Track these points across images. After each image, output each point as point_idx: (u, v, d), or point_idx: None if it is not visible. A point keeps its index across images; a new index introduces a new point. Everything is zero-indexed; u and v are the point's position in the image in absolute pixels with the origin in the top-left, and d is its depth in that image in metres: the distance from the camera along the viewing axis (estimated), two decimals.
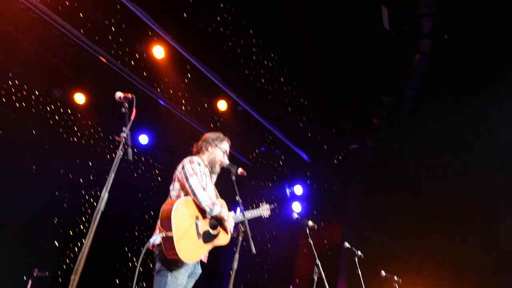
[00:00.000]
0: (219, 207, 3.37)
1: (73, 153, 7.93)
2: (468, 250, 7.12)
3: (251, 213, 3.86)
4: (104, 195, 2.37)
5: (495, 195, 6.86)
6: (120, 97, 2.71)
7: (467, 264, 7.06)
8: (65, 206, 7.93)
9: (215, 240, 3.44)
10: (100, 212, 2.32)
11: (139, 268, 3.04)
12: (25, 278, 5.42)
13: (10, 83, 6.75)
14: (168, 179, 3.62)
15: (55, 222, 7.85)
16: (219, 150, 3.69)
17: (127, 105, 2.67)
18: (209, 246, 3.39)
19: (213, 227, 3.42)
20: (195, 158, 3.53)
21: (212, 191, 3.57)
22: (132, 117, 2.62)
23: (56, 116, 7.46)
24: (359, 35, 6.36)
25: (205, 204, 3.28)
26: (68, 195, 8.02)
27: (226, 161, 3.67)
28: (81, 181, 8.28)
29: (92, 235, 2.23)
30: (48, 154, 7.48)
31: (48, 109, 7.31)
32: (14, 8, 5.62)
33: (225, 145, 3.74)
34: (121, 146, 2.49)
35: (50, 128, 7.44)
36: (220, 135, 3.77)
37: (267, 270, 8.40)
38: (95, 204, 8.61)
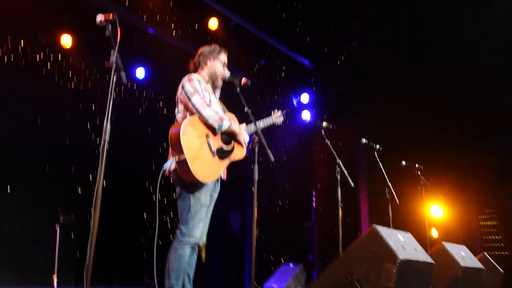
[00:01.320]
0: (228, 121, 3.25)
1: (74, 100, 7.79)
2: (481, 131, 7.06)
3: (263, 122, 3.75)
4: (106, 125, 2.27)
5: (498, 75, 6.63)
6: (101, 21, 2.51)
7: (481, 145, 7.04)
8: (79, 153, 7.95)
9: (231, 156, 3.36)
10: (106, 143, 2.23)
11: (158, 197, 3.01)
12: (56, 225, 5.60)
13: None
14: (173, 109, 3.48)
15: (73, 171, 7.92)
16: (218, 62, 3.50)
17: (110, 27, 2.46)
18: (226, 162, 3.33)
19: (227, 142, 3.33)
20: (194, 76, 3.36)
21: (217, 106, 3.44)
22: (118, 39, 2.43)
23: (48, 65, 7.24)
24: None
25: (213, 120, 3.16)
26: (80, 142, 8.00)
27: (227, 73, 3.50)
28: (89, 126, 8.22)
29: (103, 166, 2.15)
30: (49, 105, 7.34)
31: (38, 58, 7.06)
32: None
33: (223, 56, 3.54)
34: (112, 72, 2.33)
35: (45, 78, 7.23)
36: (216, 46, 3.56)
37: (287, 181, 8.54)
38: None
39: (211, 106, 3.21)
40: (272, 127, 3.94)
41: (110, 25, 2.47)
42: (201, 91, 3.26)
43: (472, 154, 6.99)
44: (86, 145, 8.08)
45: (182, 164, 3.01)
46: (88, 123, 8.18)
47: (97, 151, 8.15)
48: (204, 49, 3.55)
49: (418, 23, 7.01)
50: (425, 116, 7.02)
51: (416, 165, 5.21)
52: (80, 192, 8.08)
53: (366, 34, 7.64)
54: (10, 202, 6.54)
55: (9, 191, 6.62)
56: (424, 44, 7.03)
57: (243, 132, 3.39)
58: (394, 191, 4.71)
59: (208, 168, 3.15)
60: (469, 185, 7.23)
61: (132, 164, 8.60)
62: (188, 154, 2.99)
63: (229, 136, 3.36)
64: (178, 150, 3.02)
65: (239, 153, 3.42)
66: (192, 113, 3.22)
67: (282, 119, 3.88)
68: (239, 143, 3.40)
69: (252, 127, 3.43)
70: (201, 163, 3.08)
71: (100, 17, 2.54)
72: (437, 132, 6.99)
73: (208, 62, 3.49)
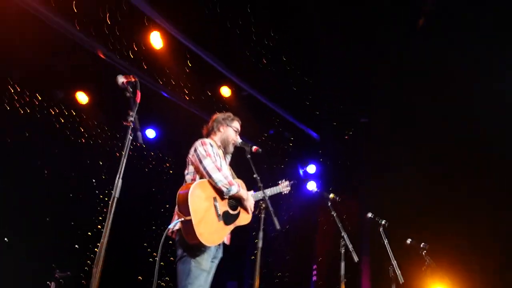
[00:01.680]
0: (237, 186, 3.28)
1: (83, 155, 7.89)
2: (484, 210, 6.98)
3: (270, 191, 3.78)
4: (118, 181, 2.30)
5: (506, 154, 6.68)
6: (122, 82, 2.62)
7: (488, 229, 6.93)
8: (80, 207, 7.91)
9: (236, 221, 3.36)
10: (115, 199, 2.25)
11: (159, 259, 2.97)
12: (48, 283, 5.44)
13: (12, 90, 6.69)
14: (179, 170, 3.55)
15: (72, 224, 7.83)
16: (230, 129, 3.61)
17: (131, 89, 2.58)
18: (230, 227, 3.32)
19: (233, 207, 3.35)
20: (207, 140, 3.46)
21: (227, 171, 3.49)
22: (138, 100, 2.53)
23: (61, 119, 7.40)
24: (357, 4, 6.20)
25: (221, 185, 3.20)
26: (82, 197, 7.99)
27: (238, 140, 3.59)
28: (94, 181, 8.24)
29: (110, 222, 2.15)
30: (58, 157, 7.44)
31: (53, 112, 7.24)
32: (5, 10, 5.52)
33: (236, 124, 3.66)
34: (129, 131, 2.41)
35: (57, 132, 7.38)
36: (230, 114, 3.70)
37: (288, 252, 8.36)
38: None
39: (222, 171, 3.26)
40: (277, 195, 3.96)
41: (130, 87, 2.58)
42: (213, 155, 3.33)
43: (479, 237, 6.86)
44: (89, 201, 8.07)
45: (187, 225, 3.01)
46: (93, 179, 8.23)
47: (99, 207, 8.17)
48: (219, 115, 3.68)
49: (427, 102, 7.20)
50: (433, 193, 6.98)
51: (422, 244, 5.09)
52: (77, 247, 7.94)
53: (375, 110, 7.84)
54: (7, 252, 6.43)
55: (6, 240, 6.53)
56: (433, 120, 7.17)
57: (250, 198, 3.41)
58: (398, 269, 4.59)
59: (213, 232, 3.13)
60: (474, 270, 7.03)
61: (133, 222, 8.50)
62: (194, 216, 3.00)
63: (236, 202, 3.38)
64: (185, 211, 3.03)
65: (244, 219, 3.42)
66: (202, 176, 3.27)
67: (289, 189, 3.90)
68: (245, 209, 3.41)
69: (259, 194, 3.46)
70: (206, 226, 3.07)
71: (121, 79, 2.66)
72: (442, 213, 6.91)
73: (222, 128, 3.61)
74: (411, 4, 6.15)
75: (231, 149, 3.61)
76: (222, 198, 3.28)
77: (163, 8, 6.01)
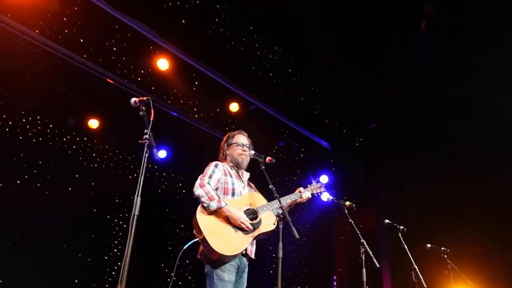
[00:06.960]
0: (217, 202, 3.31)
1: (96, 179, 7.93)
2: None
3: (289, 198, 3.85)
4: (137, 199, 2.34)
5: None
6: (135, 101, 2.70)
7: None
8: (96, 232, 7.92)
9: (260, 228, 3.42)
10: (135, 217, 2.28)
11: (173, 278, 3.13)
12: None
13: (24, 120, 6.79)
14: (192, 189, 3.62)
15: (89, 249, 7.81)
16: (233, 147, 3.74)
17: (144, 108, 2.65)
18: (252, 235, 3.37)
19: (251, 217, 3.40)
20: (216, 162, 3.63)
21: (241, 188, 3.58)
22: (152, 118, 2.60)
23: (74, 146, 7.47)
24: (361, 10, 6.25)
25: (203, 199, 3.31)
26: (98, 222, 8.00)
27: (251, 152, 3.64)
28: (108, 206, 8.26)
29: (131, 240, 2.17)
30: (72, 183, 7.50)
31: (64, 139, 7.31)
32: (15, 45, 5.67)
33: (239, 138, 3.78)
34: (145, 148, 2.46)
35: (69, 158, 7.44)
36: (229, 133, 3.83)
37: (306, 264, 8.29)
38: (125, 226, 8.48)
39: (205, 187, 3.34)
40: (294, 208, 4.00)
41: (144, 106, 2.64)
42: (209, 173, 3.47)
43: (502, 241, 6.73)
44: (104, 225, 8.07)
45: (204, 242, 3.12)
46: (108, 203, 8.24)
47: (114, 231, 8.13)
48: (222, 143, 3.85)
49: (435, 104, 7.19)
50: (448, 200, 6.90)
51: (442, 248, 5.05)
52: (94, 273, 7.92)
53: (383, 116, 7.84)
54: (24, 279, 6.46)
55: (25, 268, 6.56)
56: (444, 122, 7.14)
57: (239, 216, 3.35)
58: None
59: (229, 243, 3.21)
60: (498, 273, 6.90)
61: (148, 243, 8.49)
62: (205, 232, 3.14)
63: (252, 212, 3.44)
64: (198, 230, 3.21)
65: (268, 225, 3.45)
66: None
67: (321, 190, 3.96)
68: (268, 217, 3.46)
69: (275, 204, 3.50)
70: (220, 238, 3.18)
71: (134, 99, 2.73)
72: (460, 217, 6.79)
73: (227, 151, 3.77)
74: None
75: (243, 164, 3.70)
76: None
77: (166, 30, 6.13)
